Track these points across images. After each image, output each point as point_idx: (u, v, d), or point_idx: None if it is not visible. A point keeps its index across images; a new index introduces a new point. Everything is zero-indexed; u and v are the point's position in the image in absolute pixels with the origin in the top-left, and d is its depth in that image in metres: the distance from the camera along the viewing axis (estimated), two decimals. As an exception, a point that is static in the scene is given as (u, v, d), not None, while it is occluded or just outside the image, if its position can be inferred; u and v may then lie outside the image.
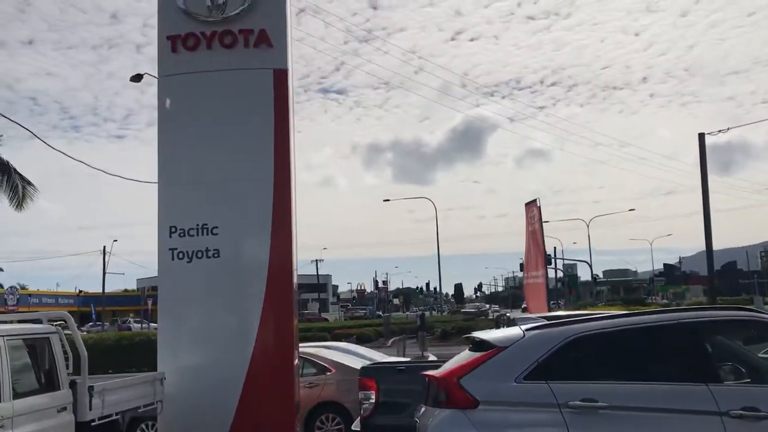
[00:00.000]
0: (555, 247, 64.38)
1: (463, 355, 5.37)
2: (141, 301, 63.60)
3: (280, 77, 9.42)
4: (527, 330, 5.10)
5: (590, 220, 69.28)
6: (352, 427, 8.48)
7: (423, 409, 5.30)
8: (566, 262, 70.85)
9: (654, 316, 5.19)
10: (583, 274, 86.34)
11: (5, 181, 22.91)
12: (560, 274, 66.82)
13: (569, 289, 66.59)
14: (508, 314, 26.50)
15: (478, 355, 5.07)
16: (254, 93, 9.38)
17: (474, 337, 5.46)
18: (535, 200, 28.65)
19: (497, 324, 19.62)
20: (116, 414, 7.62)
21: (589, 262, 64.14)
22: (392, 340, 32.57)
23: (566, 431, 4.56)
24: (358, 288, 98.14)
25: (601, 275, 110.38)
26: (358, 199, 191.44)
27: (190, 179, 9.38)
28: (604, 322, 5.17)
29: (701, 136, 27.43)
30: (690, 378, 4.72)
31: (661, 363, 4.94)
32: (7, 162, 23.55)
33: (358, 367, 10.19)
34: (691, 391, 4.65)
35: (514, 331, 5.20)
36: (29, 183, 23.82)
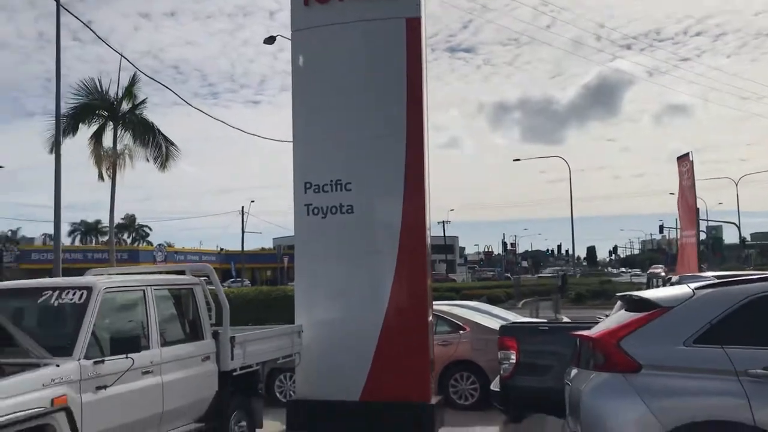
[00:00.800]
0: (698, 208, 60.34)
1: (620, 316, 4.89)
2: (277, 258, 66.22)
3: (413, 26, 9.07)
4: (697, 289, 4.54)
5: (739, 179, 64.12)
6: (492, 387, 8.19)
7: (575, 372, 4.90)
8: (710, 223, 66.34)
9: None
10: (728, 237, 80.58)
11: (151, 140, 24.32)
12: (703, 236, 62.68)
13: (714, 251, 62.43)
14: (662, 273, 25.08)
15: (639, 315, 4.58)
16: (386, 44, 9.10)
17: (632, 296, 4.97)
18: (687, 154, 26.73)
19: (648, 284, 18.61)
20: (256, 364, 7.77)
21: (737, 223, 59.78)
22: (523, 301, 31.99)
23: (747, 402, 4.01)
24: (486, 250, 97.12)
25: (749, 238, 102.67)
26: (485, 160, 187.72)
27: (323, 134, 9.30)
28: None
29: None
30: None
31: None
32: (152, 123, 24.98)
33: (493, 326, 9.87)
34: None
35: (681, 290, 4.66)
36: (172, 143, 25.16)
